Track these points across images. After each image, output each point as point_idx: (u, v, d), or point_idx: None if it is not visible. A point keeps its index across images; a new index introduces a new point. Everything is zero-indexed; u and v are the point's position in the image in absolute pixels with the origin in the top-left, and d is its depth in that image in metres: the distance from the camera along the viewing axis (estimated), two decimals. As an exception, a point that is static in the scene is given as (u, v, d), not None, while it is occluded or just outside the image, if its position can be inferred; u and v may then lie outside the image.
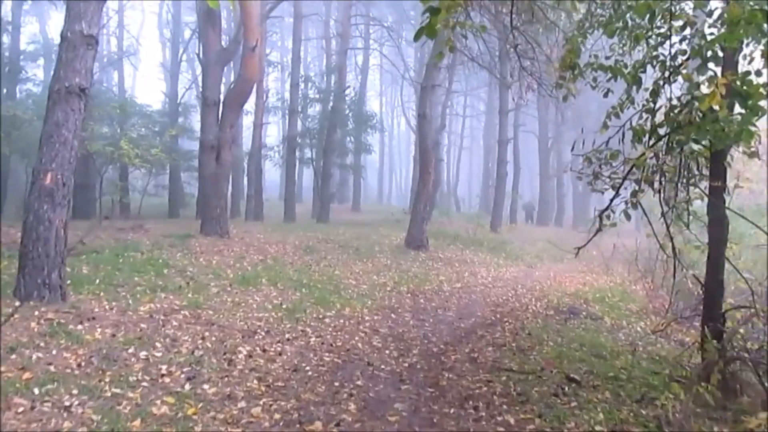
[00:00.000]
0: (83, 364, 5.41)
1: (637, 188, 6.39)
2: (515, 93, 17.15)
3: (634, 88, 6.64)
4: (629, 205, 6.38)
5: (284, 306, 8.64)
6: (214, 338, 6.70)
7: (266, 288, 9.76)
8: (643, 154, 6.34)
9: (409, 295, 10.99)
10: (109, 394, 4.84)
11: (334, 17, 29.94)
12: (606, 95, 7.41)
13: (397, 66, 35.36)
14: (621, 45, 7.40)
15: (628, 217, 6.44)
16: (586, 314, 10.16)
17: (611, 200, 6.53)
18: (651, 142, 6.41)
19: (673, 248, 6.96)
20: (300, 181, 45.12)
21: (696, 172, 6.83)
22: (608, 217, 6.56)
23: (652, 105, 6.40)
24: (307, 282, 10.66)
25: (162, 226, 17.50)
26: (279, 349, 6.62)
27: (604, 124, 6.91)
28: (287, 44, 41.41)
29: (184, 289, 8.83)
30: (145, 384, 5.16)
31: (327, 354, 6.62)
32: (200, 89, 18.92)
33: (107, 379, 5.12)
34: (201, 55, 17.21)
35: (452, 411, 5.08)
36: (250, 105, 26.17)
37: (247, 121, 31.78)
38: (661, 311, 11.55)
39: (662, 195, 6.72)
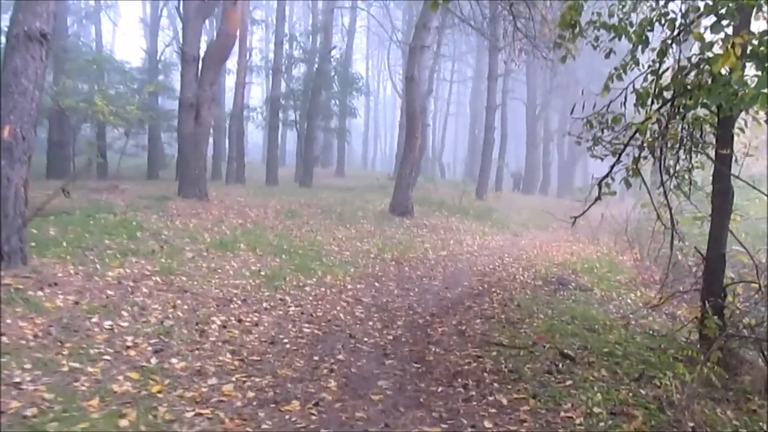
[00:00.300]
0: (40, 334, 4.97)
1: (638, 155, 6.02)
2: (507, 56, 16.65)
3: (640, 48, 6.23)
4: (629, 172, 6.01)
5: (263, 273, 8.22)
6: (186, 307, 6.28)
7: (244, 253, 9.32)
8: (648, 117, 5.94)
9: (393, 263, 10.62)
10: (66, 368, 4.42)
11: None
12: (608, 56, 6.97)
13: (385, 27, 34.49)
14: (623, 2, 6.92)
15: (628, 184, 6.07)
16: (575, 285, 9.86)
17: (611, 167, 6.14)
18: (656, 106, 6.03)
19: (671, 219, 6.61)
20: (283, 144, 44.38)
21: (700, 140, 6.45)
22: (608, 185, 6.19)
23: (658, 66, 5.99)
24: (288, 248, 10.24)
25: (139, 187, 16.95)
26: (255, 319, 6.23)
27: (605, 87, 6.49)
28: (272, 3, 40.21)
29: (157, 254, 8.36)
30: (107, 357, 4.74)
31: (307, 325, 6.24)
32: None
33: (65, 352, 4.70)
34: (181, 9, 16.41)
35: (440, 389, 4.73)
36: (232, 64, 25.38)
37: (230, 81, 30.96)
38: (650, 283, 11.30)
39: (663, 163, 6.34)
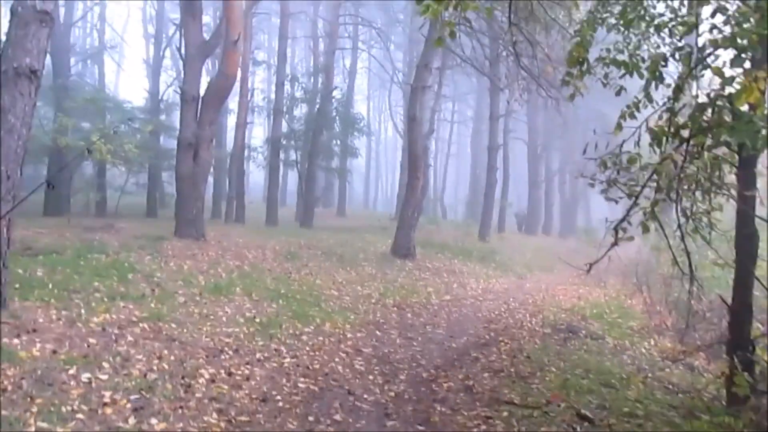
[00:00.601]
0: (10, 388, 4.54)
1: (657, 197, 5.67)
2: (509, 96, 16.47)
3: (653, 84, 5.95)
4: (646, 216, 5.66)
5: (258, 320, 7.79)
6: (172, 358, 5.84)
7: (239, 298, 8.90)
8: (666, 157, 5.62)
9: (395, 308, 10.19)
10: (32, 429, 3.99)
11: (322, 16, 29.14)
12: (619, 93, 6.68)
13: (386, 68, 34.62)
14: (637, 36, 6.65)
15: (646, 229, 5.68)
16: (586, 333, 9.41)
17: (628, 210, 5.77)
18: (672, 146, 5.71)
19: (690, 264, 6.20)
20: (284, 184, 44.21)
21: (718, 180, 6.10)
22: (623, 229, 5.82)
23: (673, 103, 5.69)
24: (285, 292, 9.82)
25: (136, 226, 16.59)
26: (247, 372, 5.78)
27: (618, 125, 6.18)
28: (274, 44, 40.49)
29: (147, 298, 7.95)
30: (80, 416, 4.31)
31: (302, 379, 5.79)
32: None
33: (35, 409, 4.26)
34: (182, 49, 16.32)
35: (447, 456, 4.29)
36: (234, 104, 25.31)
37: (232, 121, 30.88)
38: (663, 330, 10.85)
39: (679, 205, 5.98)
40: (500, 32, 14.59)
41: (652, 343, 9.41)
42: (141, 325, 6.71)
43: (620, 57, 6.34)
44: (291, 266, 12.94)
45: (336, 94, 28.00)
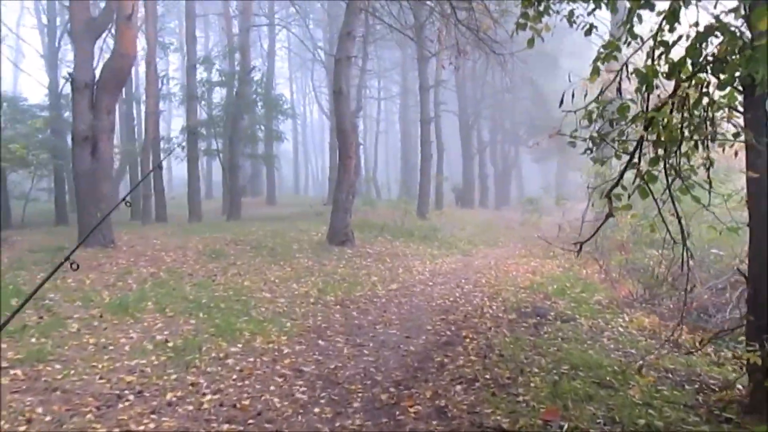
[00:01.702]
0: None
1: (656, 153, 4.55)
2: (446, 59, 15.27)
3: (636, 15, 4.84)
4: (644, 177, 4.54)
5: (171, 343, 6.32)
6: (49, 417, 4.37)
7: (150, 316, 7.38)
8: (664, 103, 4.50)
9: (338, 306, 8.87)
10: None
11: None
12: (589, 32, 5.55)
13: (307, 46, 32.87)
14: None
15: (645, 193, 4.57)
16: (555, 315, 8.37)
17: (622, 172, 4.64)
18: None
19: (682, 230, 5.12)
20: (209, 176, 42.04)
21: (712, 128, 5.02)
22: (618, 196, 4.69)
23: (667, 33, 4.58)
24: (208, 301, 8.34)
25: (36, 236, 14.67)
26: (152, 426, 4.36)
27: (594, 69, 5.05)
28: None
29: (28, 330, 6.35)
30: None
31: (226, 427, 4.42)
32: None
33: None
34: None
35: None
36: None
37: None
38: (631, 301, 9.99)
39: (667, 160, 4.86)
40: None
41: (627, 318, 8.46)
42: (13, 371, 5.17)
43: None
44: (216, 267, 11.43)
45: (255, 75, 26.22)
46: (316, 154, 66.72)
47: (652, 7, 4.61)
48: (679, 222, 5.15)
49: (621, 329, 7.80)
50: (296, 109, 60.36)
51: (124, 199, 4.06)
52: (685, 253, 5.20)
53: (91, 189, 12.17)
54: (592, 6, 5.38)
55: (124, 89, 20.34)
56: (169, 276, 10.17)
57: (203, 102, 23.96)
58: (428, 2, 13.66)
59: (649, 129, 4.46)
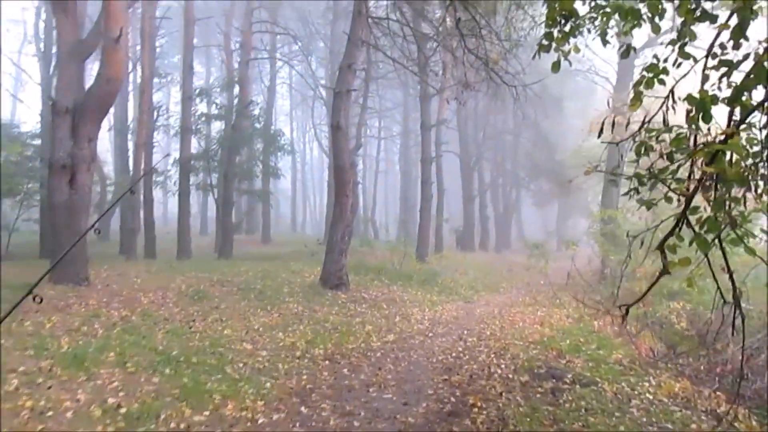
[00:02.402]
0: None
1: (727, 193, 3.68)
2: (451, 92, 14.55)
3: (687, 30, 4.06)
4: (703, 226, 3.66)
5: (124, 409, 5.30)
6: None
7: (108, 372, 6.35)
8: (732, 133, 3.64)
9: (327, 362, 7.86)
10: None
11: (235, 24, 26.64)
12: (626, 54, 4.78)
13: (308, 81, 32.35)
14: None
15: (705, 246, 3.69)
16: (573, 377, 7.38)
17: (680, 219, 3.75)
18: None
19: (734, 287, 4.18)
20: (204, 211, 41.19)
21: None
22: (674, 248, 3.80)
23: (733, 51, 3.78)
24: (179, 353, 7.33)
25: (9, 270, 13.68)
26: None
27: (636, 96, 4.25)
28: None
29: (-43, 388, 5.37)
30: None
31: None
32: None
33: None
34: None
35: None
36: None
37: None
38: (653, 362, 8.99)
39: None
40: (433, 26, 12.79)
41: (653, 382, 7.46)
42: None
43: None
44: (197, 311, 10.46)
45: (254, 109, 25.58)
46: (315, 192, 66.02)
47: (713, 19, 3.80)
48: (731, 277, 4.23)
49: (650, 396, 6.81)
50: (296, 146, 60.06)
51: (91, 228, 3.67)
52: (736, 314, 4.26)
53: (67, 221, 11.25)
54: (629, 22, 4.58)
55: (114, 118, 19.68)
56: (142, 321, 9.18)
57: (198, 134, 23.18)
58: (434, 38, 12.99)
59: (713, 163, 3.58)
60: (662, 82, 4.09)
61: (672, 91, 4.16)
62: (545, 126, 34.21)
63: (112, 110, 22.61)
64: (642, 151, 3.79)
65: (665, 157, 3.73)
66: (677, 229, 3.73)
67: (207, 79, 44.35)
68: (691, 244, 3.68)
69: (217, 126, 27.50)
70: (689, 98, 3.74)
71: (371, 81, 28.01)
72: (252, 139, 24.41)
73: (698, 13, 3.89)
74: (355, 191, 25.44)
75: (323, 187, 46.78)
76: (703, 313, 10.18)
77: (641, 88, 4.16)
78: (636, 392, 6.93)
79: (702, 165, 3.61)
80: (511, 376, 7.46)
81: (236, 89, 25.02)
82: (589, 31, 4.92)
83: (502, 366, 8.02)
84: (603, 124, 4.76)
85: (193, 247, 24.58)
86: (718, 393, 7.12)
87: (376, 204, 48.17)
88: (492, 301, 16.77)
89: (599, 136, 4.32)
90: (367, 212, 42.66)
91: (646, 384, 7.34)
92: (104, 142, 36.73)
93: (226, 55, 25.75)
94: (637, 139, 3.87)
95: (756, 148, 3.67)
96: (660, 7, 4.28)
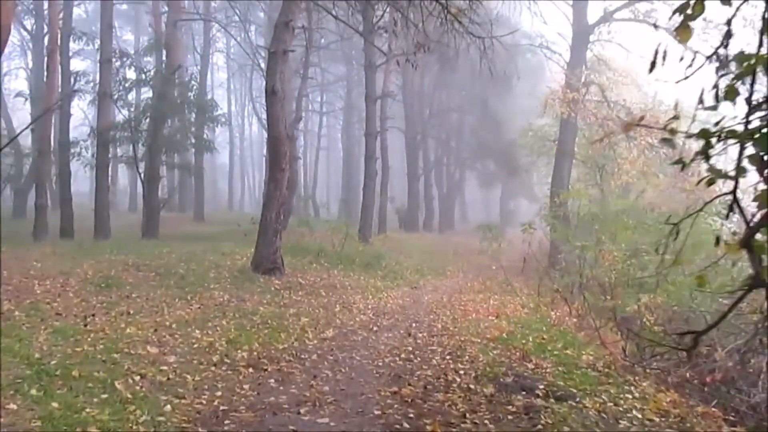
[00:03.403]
0: None
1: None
2: (402, 58, 13.17)
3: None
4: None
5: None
6: None
7: (-53, 394, 4.79)
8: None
9: (250, 369, 6.41)
10: None
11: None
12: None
13: (243, 45, 30.17)
14: None
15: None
16: (545, 387, 6.18)
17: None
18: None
19: None
20: (134, 187, 38.67)
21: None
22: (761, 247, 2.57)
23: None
24: (59, 363, 5.75)
25: None
26: None
27: (683, 25, 2.93)
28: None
29: None
30: None
31: None
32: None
33: None
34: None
35: None
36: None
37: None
38: (628, 365, 7.92)
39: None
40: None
41: (636, 393, 6.35)
42: None
43: None
44: (101, 302, 8.87)
45: (183, 76, 23.52)
46: (254, 168, 63.67)
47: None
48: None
49: (638, 414, 5.67)
50: (234, 120, 57.58)
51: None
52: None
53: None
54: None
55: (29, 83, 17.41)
56: (27, 317, 7.53)
57: (122, 102, 21.03)
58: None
59: None
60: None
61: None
62: (493, 104, 33.23)
63: (23, 75, 20.29)
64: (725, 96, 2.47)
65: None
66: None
67: (137, 49, 41.56)
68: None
69: (148, 95, 25.43)
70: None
71: (313, 50, 26.32)
72: (183, 108, 22.39)
73: None
74: (293, 166, 23.85)
75: (263, 163, 44.82)
76: (674, 308, 9.25)
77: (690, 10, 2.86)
78: (621, 408, 5.78)
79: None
80: (473, 386, 6.20)
81: (165, 55, 22.99)
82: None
83: (461, 372, 6.76)
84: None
85: (119, 226, 22.56)
86: (713, 409, 6.08)
87: (317, 182, 46.49)
88: (440, 287, 15.64)
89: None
90: (307, 190, 41.00)
91: (629, 396, 6.20)
92: (24, 113, 33.86)
93: (153, 17, 23.55)
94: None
95: None
96: None
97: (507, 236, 23.76)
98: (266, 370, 6.45)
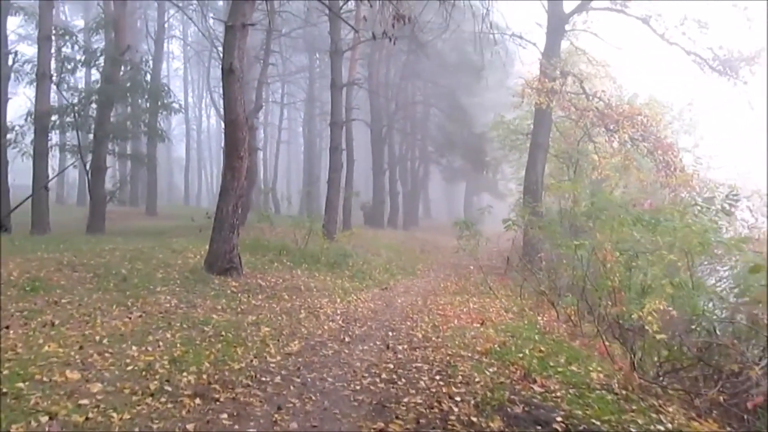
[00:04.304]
0: None
1: None
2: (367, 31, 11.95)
3: None
4: None
5: None
6: None
7: None
8: None
9: (197, 401, 5.08)
10: None
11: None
12: None
13: (199, 27, 28.47)
14: None
15: None
16: (564, 419, 5.04)
17: None
18: None
19: None
20: (82, 177, 36.45)
21: None
22: None
23: None
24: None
25: None
26: None
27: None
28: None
29: None
30: None
31: None
32: None
33: None
34: None
35: None
36: None
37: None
38: (643, 381, 6.83)
39: None
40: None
41: (668, 424, 5.26)
42: None
43: None
44: (21, 309, 7.42)
45: (134, 58, 21.78)
46: (212, 162, 61.57)
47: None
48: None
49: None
50: (191, 112, 55.53)
51: None
52: None
53: None
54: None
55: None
56: None
57: (64, 84, 19.26)
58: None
59: None
60: None
61: None
62: (461, 97, 32.22)
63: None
64: None
65: None
66: None
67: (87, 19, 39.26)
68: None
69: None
70: None
71: (274, 37, 24.88)
72: (133, 93, 20.68)
73: None
74: (253, 157, 22.40)
75: (221, 156, 42.96)
76: (678, 315, 8.20)
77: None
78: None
79: None
80: (475, 419, 5.02)
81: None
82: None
83: (458, 399, 5.56)
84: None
85: (64, 219, 20.88)
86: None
87: (277, 175, 44.89)
88: (411, 288, 14.47)
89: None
90: (267, 184, 39.42)
91: (662, 429, 5.12)
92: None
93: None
94: None
95: None
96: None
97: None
98: (218, 400, 5.15)
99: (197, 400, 5.06)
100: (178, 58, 55.28)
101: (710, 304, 7.21)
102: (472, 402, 5.47)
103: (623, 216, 9.16)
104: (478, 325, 9.41)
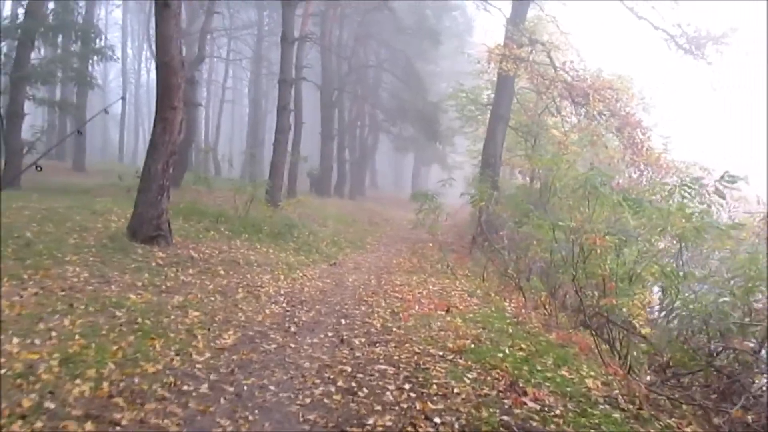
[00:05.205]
0: None
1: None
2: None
3: None
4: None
5: None
6: None
7: None
8: None
9: (87, 427, 3.72)
10: None
11: None
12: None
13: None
14: None
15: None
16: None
17: None
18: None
19: None
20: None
21: None
22: None
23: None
24: None
25: None
26: None
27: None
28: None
29: None
30: None
31: None
32: None
33: None
34: None
35: None
36: None
37: None
38: (648, 390, 5.79)
39: None
40: None
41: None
42: None
43: None
44: None
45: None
46: (150, 119, 58.40)
47: None
48: None
49: None
50: (130, 65, 52.32)
51: None
52: None
53: None
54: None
55: None
56: None
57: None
58: None
59: None
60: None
61: None
62: (416, 64, 30.88)
63: None
64: None
65: None
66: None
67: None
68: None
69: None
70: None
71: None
72: (58, 33, 18.49)
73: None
74: (192, 112, 20.57)
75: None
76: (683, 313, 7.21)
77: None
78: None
79: None
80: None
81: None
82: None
83: (436, 419, 4.36)
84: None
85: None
86: None
87: (220, 136, 42.67)
88: (362, 263, 13.23)
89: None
90: (209, 145, 37.28)
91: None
92: None
93: None
94: None
95: None
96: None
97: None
98: (118, 424, 3.77)
99: (87, 426, 3.67)
100: (118, 9, 51.89)
101: (720, 300, 6.17)
102: (456, 425, 4.28)
103: (610, 195, 8.15)
104: (443, 313, 8.23)
